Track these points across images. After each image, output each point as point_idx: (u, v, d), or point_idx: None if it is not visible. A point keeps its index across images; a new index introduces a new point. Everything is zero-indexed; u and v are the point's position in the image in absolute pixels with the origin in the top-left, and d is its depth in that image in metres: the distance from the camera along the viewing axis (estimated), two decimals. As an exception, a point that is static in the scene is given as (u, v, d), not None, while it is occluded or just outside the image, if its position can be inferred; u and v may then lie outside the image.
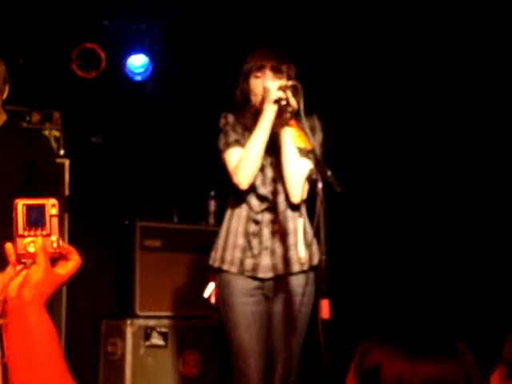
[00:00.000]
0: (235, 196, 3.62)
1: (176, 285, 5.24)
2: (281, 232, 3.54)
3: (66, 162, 5.14)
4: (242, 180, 3.48)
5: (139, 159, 5.80)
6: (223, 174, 3.59)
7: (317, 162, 3.04)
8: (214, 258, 3.64)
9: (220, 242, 3.63)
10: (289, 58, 3.59)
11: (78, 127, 5.51)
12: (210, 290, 3.77)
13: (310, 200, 3.11)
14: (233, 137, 3.58)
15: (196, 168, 5.71)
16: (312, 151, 3.09)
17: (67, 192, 5.05)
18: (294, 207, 3.55)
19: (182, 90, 5.71)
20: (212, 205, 5.52)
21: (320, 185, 2.91)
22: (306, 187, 3.30)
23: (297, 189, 3.47)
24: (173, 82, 5.69)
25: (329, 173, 2.93)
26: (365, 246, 5.61)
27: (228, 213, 3.65)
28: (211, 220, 5.49)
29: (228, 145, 3.57)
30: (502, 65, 4.95)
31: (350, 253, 5.46)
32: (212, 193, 5.54)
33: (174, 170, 5.83)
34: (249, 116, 3.58)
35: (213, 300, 4.14)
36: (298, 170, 3.45)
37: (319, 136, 3.60)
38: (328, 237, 2.93)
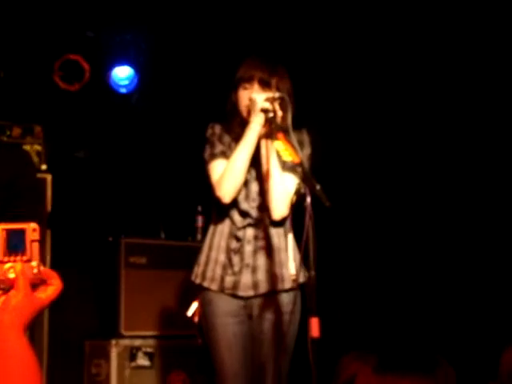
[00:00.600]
0: (218, 211, 3.58)
1: (162, 303, 5.20)
2: (264, 249, 3.51)
3: (48, 178, 5.09)
4: (225, 193, 3.44)
5: (123, 174, 5.76)
6: (209, 188, 3.58)
7: (305, 176, 3.00)
8: (196, 274, 3.61)
9: (202, 257, 3.60)
10: (284, 70, 3.54)
11: (61, 141, 5.47)
12: (193, 308, 3.70)
13: (298, 214, 3.07)
14: (218, 148, 3.55)
15: (183, 183, 5.66)
16: (300, 165, 3.05)
17: (49, 208, 5.00)
18: (279, 223, 3.51)
19: (167, 103, 5.70)
20: (199, 220, 5.47)
21: (309, 199, 2.87)
22: (293, 200, 3.29)
23: (278, 205, 3.44)
24: (158, 94, 5.68)
25: (318, 187, 2.90)
26: (354, 261, 5.62)
27: (211, 228, 3.62)
28: (199, 236, 5.42)
29: (213, 156, 3.54)
30: (492, 66, 5.04)
31: (339, 269, 5.49)
32: (199, 208, 5.49)
33: (160, 184, 5.80)
34: (236, 127, 3.55)
35: (196, 319, 4.04)
36: (279, 185, 3.43)
37: (307, 150, 3.57)
38: (317, 252, 2.92)
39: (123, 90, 5.56)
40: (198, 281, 3.59)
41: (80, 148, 5.70)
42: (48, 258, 4.85)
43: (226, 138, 3.58)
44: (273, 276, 3.49)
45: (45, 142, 5.22)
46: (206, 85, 5.38)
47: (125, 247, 5.23)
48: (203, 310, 3.57)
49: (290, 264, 3.26)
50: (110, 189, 5.72)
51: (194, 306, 3.82)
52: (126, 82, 5.55)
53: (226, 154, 3.51)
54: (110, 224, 5.57)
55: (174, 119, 5.72)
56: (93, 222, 5.59)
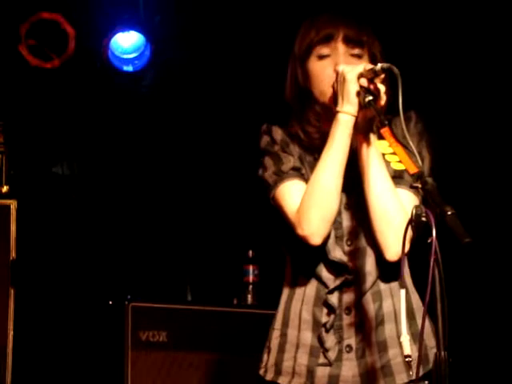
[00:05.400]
0: (294, 261, 3.01)
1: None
2: (370, 320, 2.91)
3: (12, 205, 4.61)
4: (313, 230, 2.88)
5: (128, 200, 5.20)
6: (275, 224, 2.97)
7: (428, 195, 2.35)
8: (266, 365, 2.99)
9: (274, 337, 3.02)
10: (370, 30, 2.95)
11: (31, 149, 4.92)
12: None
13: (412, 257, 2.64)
14: (289, 162, 3.02)
15: (222, 214, 5.12)
16: (419, 176, 2.41)
17: (13, 254, 4.48)
18: (390, 274, 2.89)
19: (198, 88, 5.07)
20: (250, 272, 4.76)
21: (434, 232, 2.20)
22: (409, 235, 2.51)
23: (392, 238, 2.87)
24: (184, 75, 5.05)
25: (449, 211, 2.21)
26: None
27: (285, 290, 3.06)
28: (249, 297, 4.76)
29: (282, 176, 2.99)
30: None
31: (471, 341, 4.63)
32: (250, 253, 4.78)
33: (185, 217, 5.22)
34: (312, 126, 2.98)
35: None
36: (393, 207, 2.87)
37: (426, 154, 3.01)
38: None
39: (129, 68, 4.98)
40: (269, 376, 3.01)
41: (60, 160, 5.14)
42: (11, 328, 4.27)
43: (295, 147, 3.06)
44: (386, 363, 2.89)
45: (6, 150, 4.67)
46: (256, 61, 4.82)
47: (133, 316, 4.59)
48: None
49: (404, 339, 2.55)
50: (108, 224, 5.16)
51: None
52: (134, 55, 4.97)
53: (300, 172, 3.02)
54: (109, 279, 4.98)
55: (208, 114, 5.12)
56: (80, 276, 4.96)
